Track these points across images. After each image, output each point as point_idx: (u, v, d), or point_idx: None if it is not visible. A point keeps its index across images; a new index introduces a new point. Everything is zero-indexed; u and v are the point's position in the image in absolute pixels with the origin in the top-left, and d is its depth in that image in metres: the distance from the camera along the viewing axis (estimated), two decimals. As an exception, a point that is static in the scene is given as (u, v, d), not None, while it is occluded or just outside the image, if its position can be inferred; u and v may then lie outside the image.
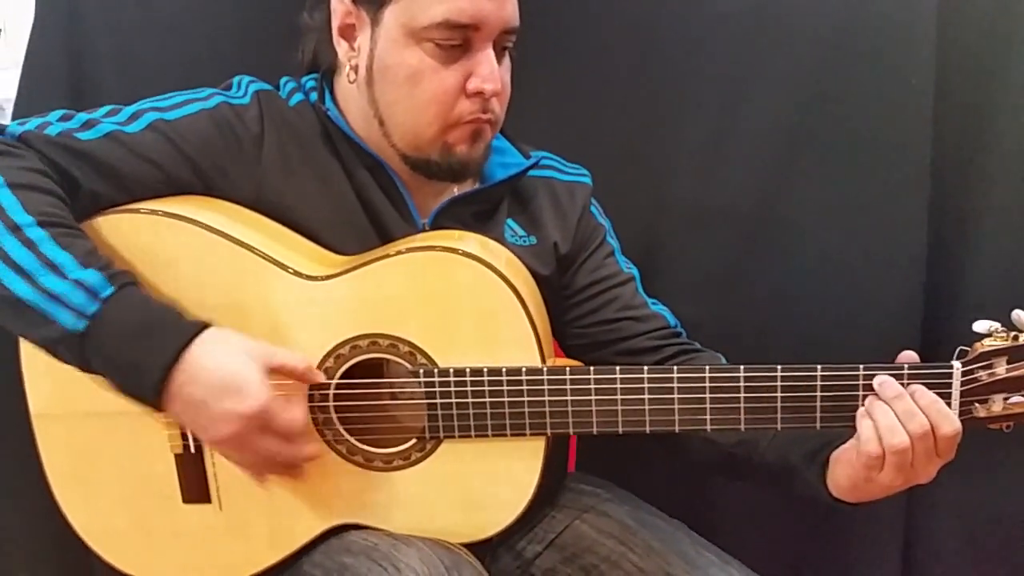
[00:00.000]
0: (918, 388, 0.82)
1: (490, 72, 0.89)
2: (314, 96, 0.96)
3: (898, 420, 0.81)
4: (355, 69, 0.93)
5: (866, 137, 1.19)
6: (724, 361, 1.02)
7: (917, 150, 1.19)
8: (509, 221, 1.01)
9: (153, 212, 0.87)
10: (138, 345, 0.78)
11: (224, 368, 0.79)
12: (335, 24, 0.93)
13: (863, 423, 0.82)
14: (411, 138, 0.92)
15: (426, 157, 0.93)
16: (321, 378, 0.87)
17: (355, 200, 0.94)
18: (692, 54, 1.21)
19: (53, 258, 0.77)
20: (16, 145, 0.84)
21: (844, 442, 0.86)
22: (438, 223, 0.96)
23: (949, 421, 0.81)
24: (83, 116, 0.89)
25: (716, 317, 1.23)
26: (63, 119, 0.88)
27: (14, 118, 1.19)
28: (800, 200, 1.21)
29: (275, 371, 0.82)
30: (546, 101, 1.23)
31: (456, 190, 0.98)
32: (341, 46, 0.93)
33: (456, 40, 0.88)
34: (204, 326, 0.80)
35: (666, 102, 1.22)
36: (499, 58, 0.91)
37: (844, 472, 0.85)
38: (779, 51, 1.19)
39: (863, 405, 0.83)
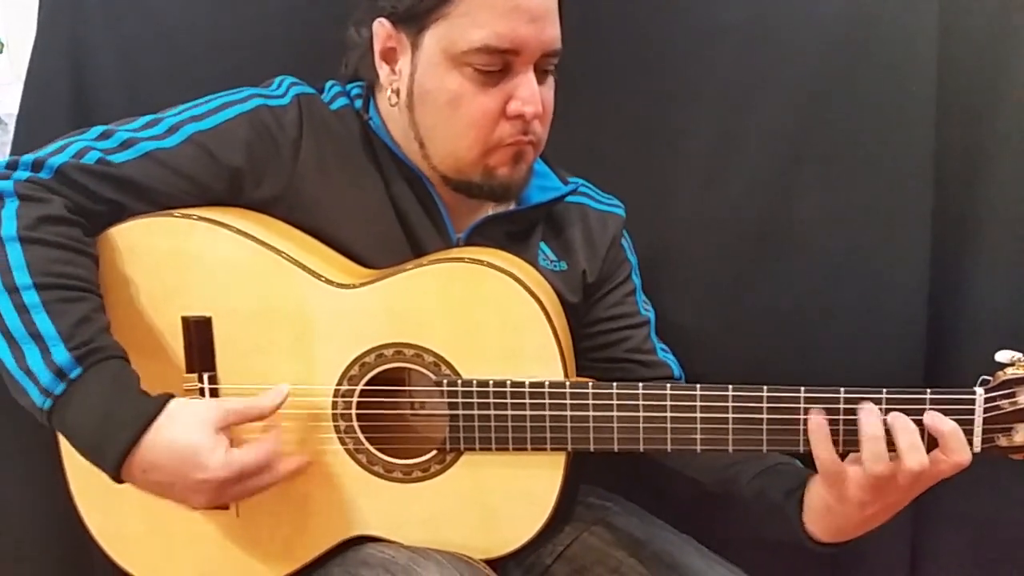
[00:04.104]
0: (937, 414, 0.81)
1: (530, 95, 0.89)
2: (359, 104, 0.97)
3: (885, 449, 0.79)
4: (396, 92, 0.93)
5: (868, 145, 1.19)
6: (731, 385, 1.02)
7: (919, 157, 1.18)
8: (542, 245, 1.01)
9: (188, 216, 0.88)
10: (96, 431, 0.79)
11: (178, 445, 0.79)
12: (377, 48, 0.94)
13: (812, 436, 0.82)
14: (452, 161, 0.92)
15: (467, 180, 0.93)
16: (273, 403, 0.85)
17: (391, 210, 0.95)
18: (694, 65, 1.21)
19: (40, 328, 0.78)
20: (45, 185, 0.84)
21: None
22: (472, 241, 0.97)
23: (964, 451, 0.80)
24: (123, 135, 0.89)
25: (718, 326, 1.22)
26: (102, 138, 0.88)
27: (17, 133, 1.19)
28: (802, 208, 1.21)
29: (230, 425, 0.83)
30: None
31: (491, 209, 0.99)
32: (383, 69, 0.94)
33: (496, 65, 0.88)
34: (161, 406, 0.80)
35: (668, 112, 1.23)
36: (541, 79, 0.91)
37: (818, 492, 0.84)
38: (780, 62, 1.19)
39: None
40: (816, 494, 0.85)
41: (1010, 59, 1.16)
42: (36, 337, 0.78)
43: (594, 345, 1.04)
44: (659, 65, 1.22)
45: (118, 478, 0.80)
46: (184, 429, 0.80)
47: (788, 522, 0.88)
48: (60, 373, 0.78)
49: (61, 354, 0.78)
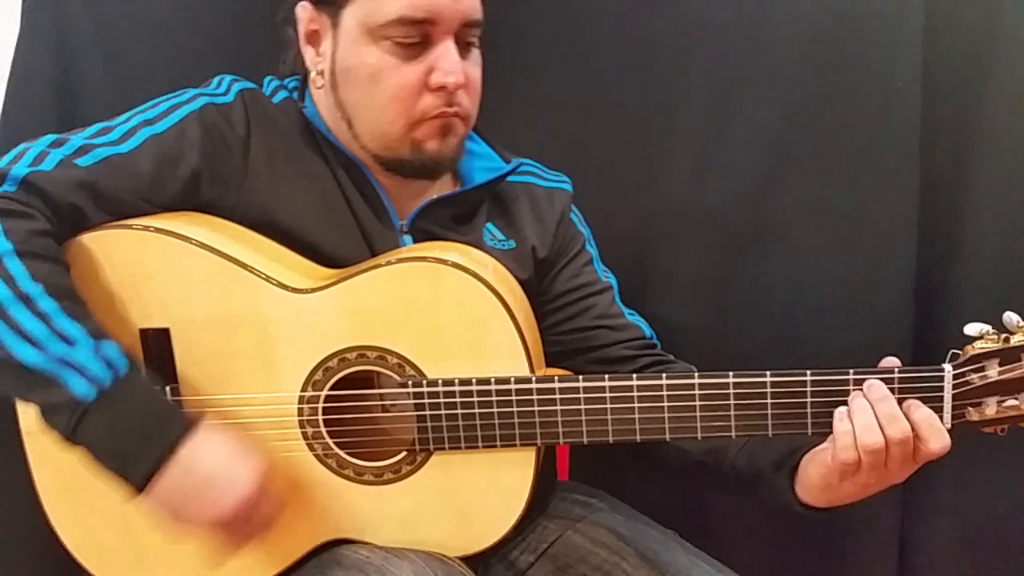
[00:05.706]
0: (914, 402, 0.82)
1: (450, 65, 0.88)
2: (296, 95, 0.97)
3: (876, 421, 0.80)
4: (321, 74, 0.94)
5: (854, 140, 1.20)
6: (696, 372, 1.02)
7: (905, 152, 1.19)
8: (488, 225, 1.01)
9: (142, 228, 0.86)
10: (138, 432, 0.77)
11: (231, 438, 0.80)
12: (301, 31, 0.94)
13: (841, 427, 0.81)
14: (379, 138, 0.92)
15: (397, 156, 0.93)
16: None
17: (341, 198, 0.95)
18: (681, 60, 1.21)
19: (65, 331, 0.76)
20: (21, 200, 0.81)
21: (815, 446, 0.86)
22: (416, 225, 0.97)
23: (940, 437, 0.80)
24: (77, 141, 0.87)
25: (705, 321, 1.23)
26: (55, 145, 0.86)
27: (2, 128, 1.18)
28: (789, 204, 1.22)
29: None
30: (535, 107, 1.23)
31: (435, 193, 0.99)
32: (308, 52, 0.95)
33: (414, 37, 0.88)
34: (199, 418, 0.80)
35: (655, 108, 1.23)
36: (464, 52, 0.91)
37: (818, 472, 0.85)
38: (767, 57, 1.19)
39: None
40: (816, 473, 0.85)
41: (996, 52, 1.16)
42: (64, 338, 0.76)
43: (562, 318, 1.04)
44: (646, 62, 1.22)
45: (147, 479, 0.77)
46: (231, 434, 0.81)
47: (777, 492, 0.89)
48: (110, 365, 0.76)
49: (108, 346, 0.77)
